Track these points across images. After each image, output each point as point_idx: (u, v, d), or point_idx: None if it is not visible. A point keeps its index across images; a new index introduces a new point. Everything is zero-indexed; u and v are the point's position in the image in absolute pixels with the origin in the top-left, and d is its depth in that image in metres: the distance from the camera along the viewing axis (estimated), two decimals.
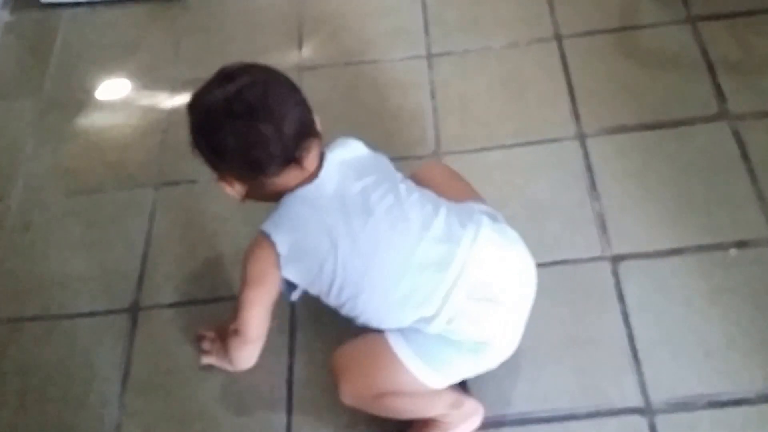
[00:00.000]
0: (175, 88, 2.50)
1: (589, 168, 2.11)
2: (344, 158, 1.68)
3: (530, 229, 1.90)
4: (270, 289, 1.68)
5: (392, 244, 1.60)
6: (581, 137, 2.18)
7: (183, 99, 2.39)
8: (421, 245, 1.60)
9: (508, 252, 1.69)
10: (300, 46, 2.52)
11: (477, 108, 2.30)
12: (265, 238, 1.63)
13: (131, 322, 2.04)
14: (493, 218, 1.73)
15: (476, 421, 1.75)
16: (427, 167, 1.96)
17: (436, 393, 1.69)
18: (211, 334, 1.94)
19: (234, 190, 1.68)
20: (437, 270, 1.60)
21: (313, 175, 1.64)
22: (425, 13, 2.56)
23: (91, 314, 2.07)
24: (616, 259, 1.94)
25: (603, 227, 2.00)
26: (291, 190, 1.63)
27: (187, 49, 2.61)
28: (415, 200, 1.66)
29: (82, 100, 2.53)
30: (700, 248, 1.93)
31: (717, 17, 2.36)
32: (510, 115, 2.27)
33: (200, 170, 2.19)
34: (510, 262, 1.69)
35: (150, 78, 2.56)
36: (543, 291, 1.84)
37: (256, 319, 1.72)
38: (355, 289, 1.62)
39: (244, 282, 1.68)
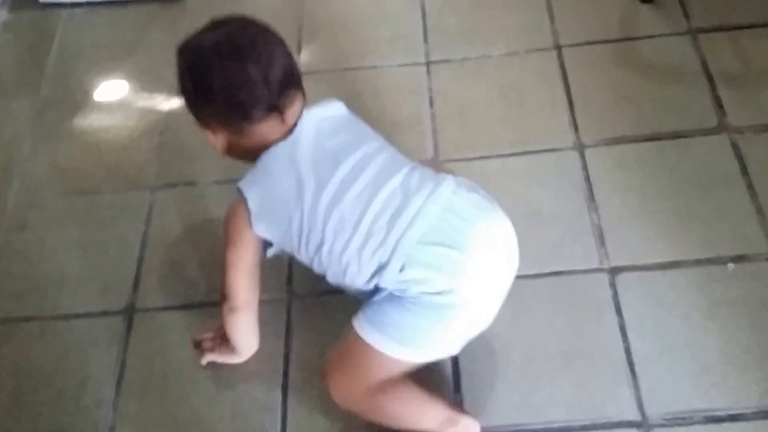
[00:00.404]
0: (172, 90, 2.42)
1: (588, 178, 2.09)
2: (323, 115, 1.70)
3: (528, 238, 1.87)
4: (247, 248, 1.69)
5: (353, 193, 1.60)
6: (580, 147, 2.16)
7: (180, 102, 2.38)
8: (378, 194, 1.60)
9: (475, 206, 1.65)
10: (299, 51, 2.51)
11: (475, 116, 2.28)
12: (239, 196, 1.65)
13: (126, 324, 2.02)
14: (468, 187, 1.69)
15: None
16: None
17: (430, 402, 1.68)
18: (209, 334, 1.93)
19: (216, 138, 1.69)
20: (392, 217, 1.58)
21: (291, 131, 1.66)
22: (425, 20, 2.54)
23: (87, 315, 2.05)
24: (614, 271, 1.92)
25: (601, 238, 1.98)
26: (269, 145, 1.65)
27: None
28: (383, 157, 1.67)
29: (80, 101, 2.51)
30: (698, 262, 1.91)
31: (718, 29, 2.34)
32: (509, 124, 2.25)
33: (198, 173, 2.23)
34: (477, 216, 1.63)
35: (148, 80, 2.53)
36: (540, 301, 1.85)
37: (239, 281, 1.72)
38: (319, 239, 1.62)
39: (225, 243, 1.71)
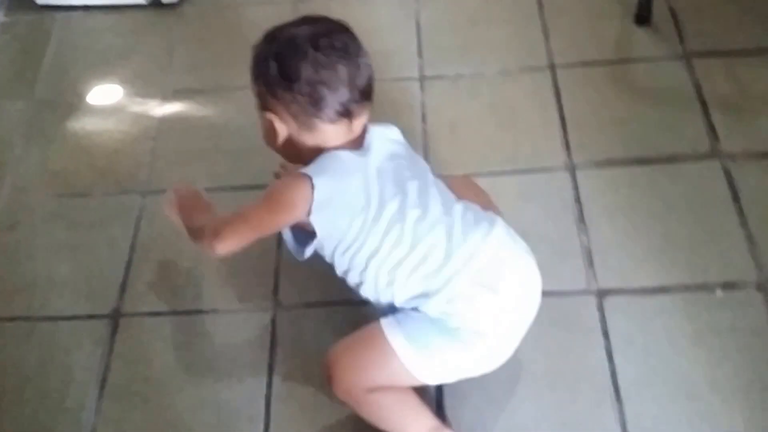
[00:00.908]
0: (166, 96, 2.45)
1: (578, 200, 2.07)
2: (388, 137, 1.74)
3: None
4: (277, 223, 1.65)
5: (414, 214, 1.61)
6: (571, 168, 2.14)
7: (174, 108, 2.38)
8: (440, 223, 1.61)
9: (516, 255, 1.67)
10: None
11: (467, 133, 2.25)
12: (306, 179, 1.59)
13: (112, 328, 1.99)
14: (509, 231, 1.71)
15: None
16: (455, 179, 1.90)
17: (421, 409, 1.68)
18: (189, 191, 1.85)
19: (280, 127, 1.65)
20: (449, 250, 1.59)
21: (356, 142, 1.67)
22: (419, 35, 2.52)
23: (73, 318, 2.03)
24: (602, 294, 1.90)
25: (590, 260, 1.96)
26: (327, 149, 1.65)
27: (181, 58, 2.56)
28: (437, 189, 1.68)
29: (74, 104, 2.48)
30: (686, 288, 1.89)
31: (712, 54, 2.32)
32: (500, 143, 2.22)
33: (189, 179, 2.20)
34: (517, 264, 1.66)
35: (142, 85, 2.51)
36: None
37: (241, 238, 1.64)
38: (374, 248, 1.61)
39: (264, 200, 1.64)
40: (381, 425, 1.68)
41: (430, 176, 1.72)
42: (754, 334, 1.81)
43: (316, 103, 1.59)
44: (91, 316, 2.02)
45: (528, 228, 1.98)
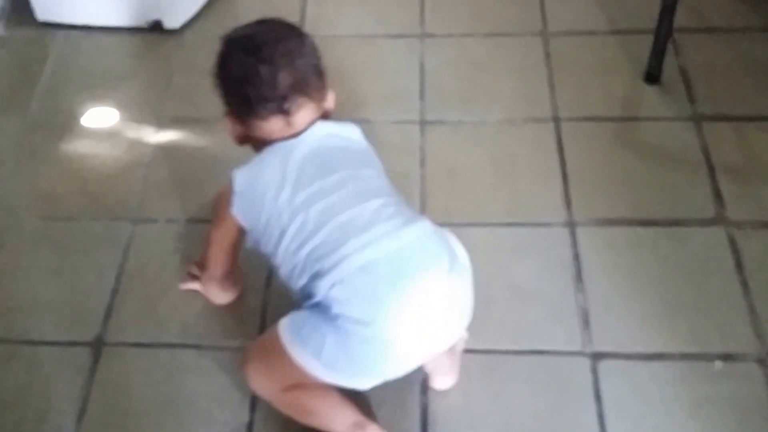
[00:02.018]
0: (162, 123, 2.40)
1: (577, 257, 2.02)
2: (333, 131, 1.75)
3: (511, 314, 1.86)
4: (227, 229, 1.78)
5: (324, 203, 1.63)
6: (571, 225, 2.09)
7: (169, 135, 2.33)
8: (347, 210, 1.62)
9: (428, 261, 1.61)
10: None
11: (466, 181, 2.21)
12: (230, 176, 1.72)
13: (93, 356, 1.92)
14: (439, 238, 1.67)
15: None
16: None
17: (342, 404, 1.67)
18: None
19: (233, 127, 1.77)
20: (348, 234, 1.59)
21: (297, 135, 1.71)
22: (423, 78, 2.48)
23: (54, 344, 1.96)
24: (597, 357, 1.84)
25: (586, 321, 1.90)
26: (273, 141, 1.71)
27: (179, 86, 2.51)
28: (370, 183, 1.70)
29: (68, 125, 2.42)
30: (684, 356, 1.83)
31: (722, 118, 2.28)
32: (499, 193, 2.18)
33: (180, 210, 2.16)
34: (424, 268, 1.59)
35: (138, 110, 2.46)
36: (517, 379, 1.79)
37: (214, 257, 1.87)
38: (278, 235, 1.65)
39: (212, 221, 1.84)
40: (304, 421, 1.69)
41: (368, 172, 1.73)
42: (752, 408, 1.75)
43: (244, 102, 1.69)
44: (73, 343, 1.95)
45: (523, 284, 1.96)
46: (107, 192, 2.25)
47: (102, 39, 2.67)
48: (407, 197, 2.09)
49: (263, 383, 1.70)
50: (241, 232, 1.77)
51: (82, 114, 2.45)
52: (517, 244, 2.06)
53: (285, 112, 1.67)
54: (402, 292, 1.55)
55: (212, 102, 2.14)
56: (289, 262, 1.65)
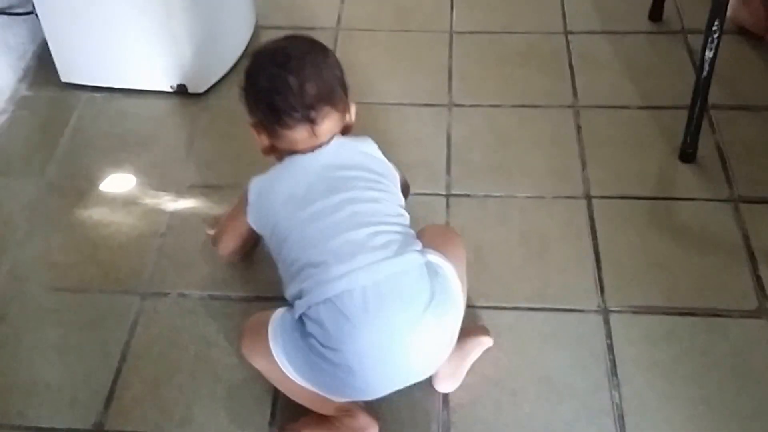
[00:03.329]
0: (180, 191, 2.17)
1: (611, 348, 1.76)
2: (350, 145, 1.73)
3: (539, 410, 1.64)
4: (240, 226, 1.79)
5: (320, 223, 1.60)
6: (604, 312, 1.84)
7: (187, 203, 2.11)
8: (339, 237, 1.58)
9: (399, 297, 1.53)
10: None
11: (493, 261, 1.96)
12: (247, 187, 1.74)
13: None
14: (427, 274, 1.57)
15: None
16: (432, 225, 1.87)
17: None
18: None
19: (259, 138, 1.74)
20: (335, 259, 1.55)
21: (319, 147, 1.69)
22: (449, 150, 2.25)
23: (51, 430, 1.72)
24: None
25: (621, 421, 1.64)
26: (296, 152, 1.69)
27: (200, 152, 2.29)
28: (372, 206, 1.64)
29: (84, 190, 2.20)
30: None
31: (762, 201, 2.04)
32: (528, 275, 1.93)
33: (193, 284, 1.94)
34: (392, 303, 1.52)
35: (157, 177, 2.23)
36: None
37: (225, 241, 1.91)
38: (278, 246, 1.65)
39: (231, 211, 1.87)
40: (292, 397, 1.67)
41: (374, 194, 1.66)
42: None
43: (272, 111, 1.66)
44: (71, 430, 1.71)
45: (553, 375, 1.72)
46: (119, 262, 2.02)
47: (125, 102, 2.46)
48: None
49: (252, 360, 1.68)
50: (254, 231, 1.77)
51: (99, 179, 2.23)
52: (546, 331, 1.82)
53: (311, 121, 1.65)
54: (367, 329, 1.50)
55: (232, 168, 2.00)
56: (285, 271, 1.64)
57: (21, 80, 2.53)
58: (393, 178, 1.74)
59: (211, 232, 1.99)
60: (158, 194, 2.17)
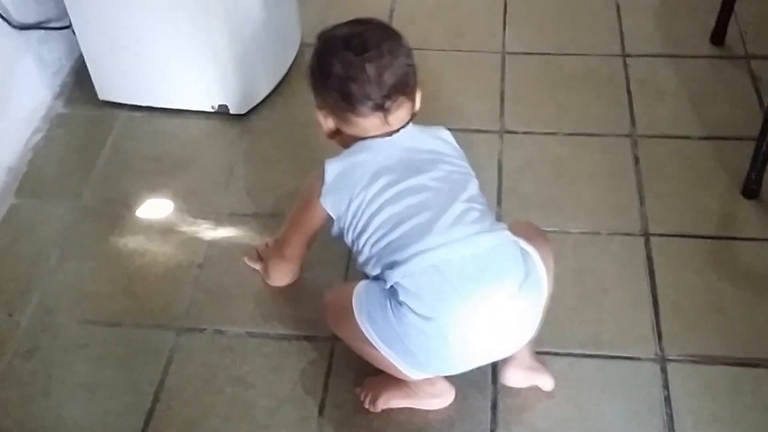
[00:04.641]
0: (219, 219, 2.13)
1: (668, 401, 1.71)
2: (427, 132, 1.76)
3: None
4: (311, 215, 1.76)
5: (412, 200, 1.61)
6: (662, 360, 1.78)
7: (226, 232, 2.07)
8: (429, 210, 1.60)
9: (498, 268, 1.57)
10: None
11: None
12: (321, 167, 1.71)
13: None
14: (517, 253, 1.60)
15: (444, 402, 1.74)
16: (518, 221, 1.84)
17: None
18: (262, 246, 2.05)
19: (326, 121, 1.75)
20: (425, 231, 1.57)
21: (391, 134, 1.70)
22: (500, 178, 2.20)
23: None
24: None
25: None
26: (366, 138, 1.70)
27: (241, 176, 2.25)
28: (462, 185, 1.67)
29: (120, 216, 2.17)
30: None
31: None
32: (582, 318, 1.88)
33: (231, 319, 1.91)
34: (490, 275, 1.55)
35: (195, 203, 2.19)
36: None
37: (294, 240, 1.86)
38: (362, 227, 1.65)
39: (296, 202, 1.82)
40: (374, 364, 1.68)
41: (456, 176, 1.69)
42: None
43: (346, 98, 1.66)
44: None
45: (607, 428, 1.65)
46: (154, 295, 1.99)
47: (164, 122, 2.43)
48: None
49: (335, 329, 1.75)
50: (324, 220, 1.75)
51: (136, 204, 2.20)
52: (600, 380, 1.77)
53: (386, 110, 1.66)
54: (467, 298, 1.53)
55: (274, 196, 1.98)
56: (368, 252, 1.64)
57: (57, 97, 2.51)
58: (468, 166, 1.76)
59: (253, 264, 2.01)
60: (196, 222, 2.14)
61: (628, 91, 2.41)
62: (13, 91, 2.34)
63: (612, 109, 2.36)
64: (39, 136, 2.40)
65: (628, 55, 2.53)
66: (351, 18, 1.74)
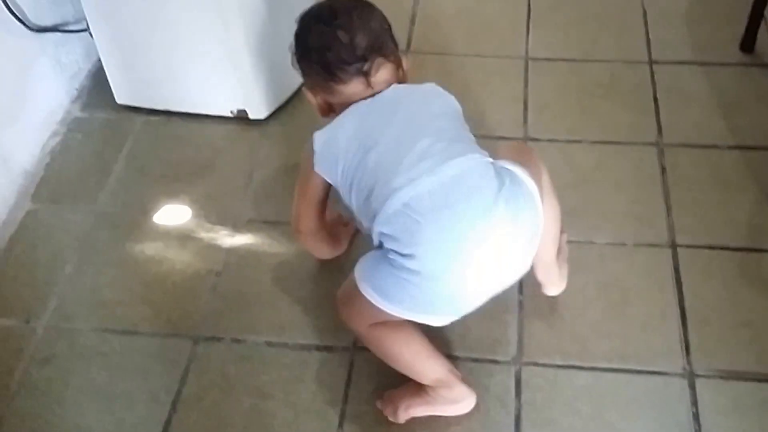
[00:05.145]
0: (237, 226, 2.12)
1: (697, 418, 1.68)
2: (408, 87, 1.78)
3: None
4: (312, 185, 1.78)
5: (384, 146, 1.63)
6: (690, 376, 1.75)
7: (245, 239, 2.06)
8: (399, 149, 1.62)
9: (470, 188, 1.58)
10: None
11: (569, 314, 1.88)
12: (311, 137, 1.75)
13: None
14: (504, 176, 1.61)
15: (464, 407, 1.71)
16: (509, 143, 1.93)
17: (429, 356, 1.68)
18: None
19: (315, 98, 1.81)
20: (396, 172, 1.59)
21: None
22: None
23: None
24: None
25: None
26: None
27: (260, 182, 2.24)
28: (428, 122, 1.69)
29: (137, 222, 2.16)
30: None
31: None
32: (607, 331, 1.85)
33: (250, 328, 1.91)
34: (467, 197, 1.57)
35: (213, 209, 2.18)
36: None
37: (304, 211, 1.85)
38: (350, 184, 1.67)
39: (298, 179, 1.84)
40: (391, 363, 1.69)
41: (431, 109, 1.72)
42: None
43: (325, 68, 1.71)
44: None
45: None
46: (171, 302, 1.98)
47: (182, 126, 2.42)
48: (501, 330, 1.89)
49: (351, 322, 1.71)
50: (327, 187, 1.78)
51: (153, 210, 2.19)
52: (626, 395, 1.74)
53: (365, 74, 1.70)
54: (437, 221, 1.55)
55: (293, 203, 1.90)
56: (357, 208, 1.69)
57: (74, 101, 2.50)
58: (452, 105, 1.78)
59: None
60: (215, 228, 2.13)
61: (655, 99, 2.38)
62: (30, 95, 2.33)
63: (638, 117, 2.33)
64: (56, 140, 2.39)
65: (655, 62, 2.50)
66: None
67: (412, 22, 2.70)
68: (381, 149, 1.63)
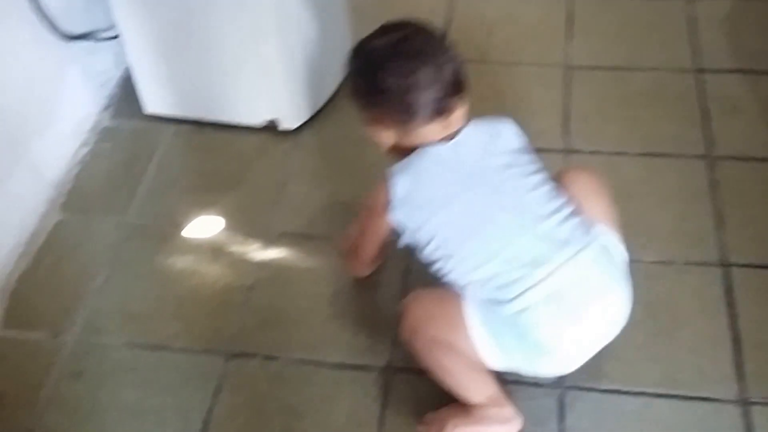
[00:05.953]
0: (270, 238, 2.08)
1: None
2: (492, 131, 1.71)
3: None
4: (378, 227, 1.73)
5: (497, 225, 1.59)
6: (744, 403, 1.69)
7: (276, 253, 2.02)
8: (523, 237, 1.58)
9: (604, 286, 1.60)
10: None
11: (617, 337, 1.81)
12: (387, 178, 1.66)
13: None
14: (607, 248, 1.64)
15: (513, 428, 1.67)
16: (576, 173, 1.83)
17: (484, 374, 1.64)
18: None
19: (384, 137, 1.72)
20: (527, 265, 1.55)
21: (453, 136, 1.66)
22: None
23: None
24: None
25: None
26: (427, 145, 1.67)
27: (292, 195, 2.20)
28: (540, 193, 1.64)
29: (168, 233, 2.13)
30: None
31: None
32: (655, 354, 1.80)
33: (282, 345, 1.86)
34: (601, 295, 1.59)
35: (246, 221, 2.15)
36: None
37: (367, 248, 1.83)
38: (447, 253, 1.61)
39: (366, 210, 1.76)
40: (439, 377, 1.65)
41: (534, 179, 1.66)
42: None
43: (407, 110, 1.63)
44: None
45: None
46: (202, 318, 1.95)
47: (213, 136, 2.38)
48: None
49: (418, 323, 1.63)
50: (393, 230, 1.71)
51: (184, 222, 2.16)
52: (676, 422, 1.69)
53: (448, 112, 1.64)
54: (583, 319, 1.56)
55: (326, 216, 1.97)
56: (458, 277, 1.61)
57: (104, 110, 2.48)
58: (537, 162, 1.72)
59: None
60: (246, 241, 2.09)
61: (702, 109, 2.32)
62: (59, 103, 2.31)
63: (685, 128, 2.27)
64: (86, 149, 2.37)
65: (702, 70, 2.43)
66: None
67: (449, 28, 2.65)
68: (500, 228, 1.58)
